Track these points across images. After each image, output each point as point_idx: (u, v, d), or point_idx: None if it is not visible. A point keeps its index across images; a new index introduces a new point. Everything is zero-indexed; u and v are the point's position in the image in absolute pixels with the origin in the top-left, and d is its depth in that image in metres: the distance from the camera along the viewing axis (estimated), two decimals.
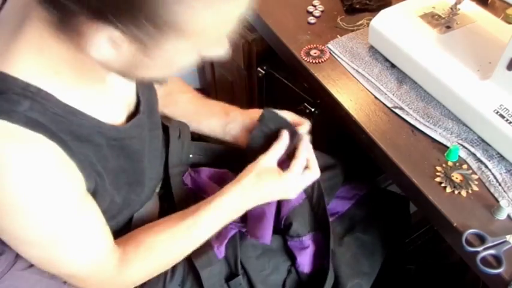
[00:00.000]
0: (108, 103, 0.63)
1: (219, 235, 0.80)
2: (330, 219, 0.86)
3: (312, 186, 0.83)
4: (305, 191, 0.82)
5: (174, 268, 0.77)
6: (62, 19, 0.47)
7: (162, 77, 0.57)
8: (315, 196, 0.83)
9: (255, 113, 0.82)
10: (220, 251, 0.78)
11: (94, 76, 0.58)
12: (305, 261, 0.82)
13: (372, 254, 0.88)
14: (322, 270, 0.81)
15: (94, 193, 0.62)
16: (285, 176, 0.72)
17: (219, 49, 0.56)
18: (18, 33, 0.51)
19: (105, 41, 0.46)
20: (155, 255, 0.68)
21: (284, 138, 0.74)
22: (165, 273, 0.77)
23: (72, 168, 0.56)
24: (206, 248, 0.77)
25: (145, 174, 0.72)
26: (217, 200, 0.70)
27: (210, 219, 0.70)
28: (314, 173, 0.75)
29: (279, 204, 0.82)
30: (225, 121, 0.86)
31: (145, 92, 0.72)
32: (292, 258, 0.83)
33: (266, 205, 0.77)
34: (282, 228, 0.83)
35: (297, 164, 0.73)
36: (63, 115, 0.54)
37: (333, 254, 0.81)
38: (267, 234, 0.77)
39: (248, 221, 0.80)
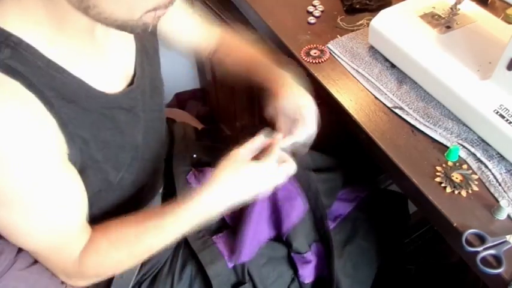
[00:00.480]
0: (101, 69, 0.62)
1: (228, 242, 0.80)
2: (333, 224, 0.86)
3: (315, 198, 0.83)
4: (309, 202, 0.83)
5: (181, 272, 0.77)
6: None
7: (122, 13, 0.52)
8: (317, 209, 0.83)
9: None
10: (230, 261, 0.79)
11: (78, 31, 0.57)
12: (306, 273, 0.83)
13: (371, 261, 0.88)
14: (323, 280, 0.82)
15: (83, 167, 0.59)
16: (259, 165, 0.67)
17: None
18: None
19: None
20: (121, 249, 0.64)
21: (260, 135, 0.71)
22: (172, 276, 0.77)
23: (51, 126, 0.54)
24: (217, 256, 0.77)
25: (139, 152, 0.71)
26: (191, 199, 0.65)
27: (184, 218, 0.65)
28: (290, 165, 0.69)
29: (279, 218, 0.82)
30: (273, 95, 0.79)
31: (147, 68, 0.71)
32: (295, 268, 0.83)
33: (244, 222, 0.77)
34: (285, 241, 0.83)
35: (271, 154, 0.68)
36: (46, 70, 0.53)
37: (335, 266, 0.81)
38: (242, 252, 0.77)
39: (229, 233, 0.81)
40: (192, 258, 0.79)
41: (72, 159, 0.58)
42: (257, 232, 0.80)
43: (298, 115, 0.73)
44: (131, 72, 0.68)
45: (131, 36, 0.69)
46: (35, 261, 0.67)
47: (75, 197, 0.60)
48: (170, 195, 0.84)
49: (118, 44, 0.66)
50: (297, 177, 0.82)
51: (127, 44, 0.69)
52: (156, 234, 0.64)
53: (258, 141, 0.70)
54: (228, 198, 0.66)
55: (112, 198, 0.72)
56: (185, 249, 0.80)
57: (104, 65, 0.63)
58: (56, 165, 0.56)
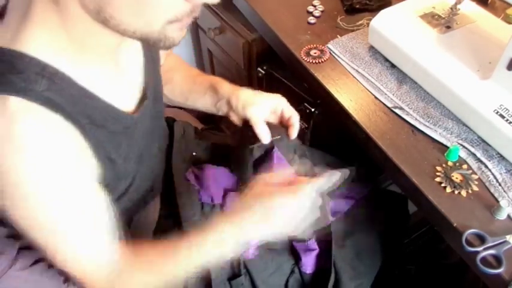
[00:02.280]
0: (119, 87, 0.62)
1: None
2: (333, 219, 0.86)
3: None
4: None
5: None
6: None
7: (140, 25, 0.50)
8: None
9: (242, 91, 0.80)
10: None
11: (99, 51, 0.57)
12: (309, 262, 0.82)
13: (372, 255, 0.88)
14: (324, 271, 0.82)
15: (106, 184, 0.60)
16: (294, 188, 0.61)
17: None
18: (27, 13, 0.51)
19: None
20: (157, 275, 0.63)
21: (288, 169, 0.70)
22: None
23: (87, 153, 0.55)
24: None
25: (142, 158, 0.72)
26: (219, 233, 0.62)
27: (208, 254, 0.63)
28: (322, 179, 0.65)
29: None
30: (216, 98, 0.83)
31: (152, 77, 0.71)
32: (296, 257, 0.83)
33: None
34: None
35: (311, 183, 0.63)
36: (79, 98, 0.54)
37: (335, 257, 0.81)
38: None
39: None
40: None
41: (101, 180, 0.59)
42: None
43: (284, 115, 0.77)
44: (141, 82, 0.69)
45: (139, 45, 0.69)
46: (35, 262, 0.67)
47: (109, 218, 0.60)
48: (170, 194, 0.85)
49: (131, 56, 0.66)
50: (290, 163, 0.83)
51: (137, 54, 0.69)
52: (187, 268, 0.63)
53: (288, 171, 0.66)
54: (259, 236, 0.62)
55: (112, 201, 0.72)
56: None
57: (123, 82, 0.63)
58: (93, 191, 0.57)
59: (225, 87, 0.82)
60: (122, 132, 0.62)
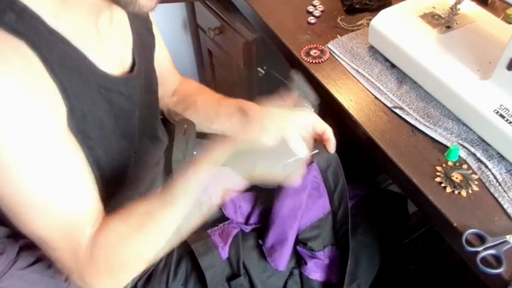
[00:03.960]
0: (102, 52, 0.62)
1: (223, 234, 0.79)
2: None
3: (340, 200, 0.82)
4: (331, 204, 0.82)
5: (176, 268, 0.77)
6: None
7: None
8: (340, 212, 0.82)
9: (273, 110, 0.75)
10: (224, 251, 0.78)
11: (81, 9, 0.57)
12: (314, 268, 0.82)
13: (372, 256, 0.88)
14: (329, 285, 0.81)
15: (79, 142, 0.57)
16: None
17: None
18: None
19: None
20: (140, 229, 0.58)
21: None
22: (168, 273, 0.77)
23: (52, 89, 0.52)
24: (211, 247, 0.76)
25: (134, 147, 0.71)
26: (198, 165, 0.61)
27: (192, 186, 0.60)
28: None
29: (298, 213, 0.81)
30: (245, 121, 0.81)
31: (143, 63, 0.71)
32: (298, 260, 0.83)
33: (289, 228, 0.76)
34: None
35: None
36: (49, 37, 0.53)
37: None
38: (283, 261, 0.77)
39: (269, 237, 0.79)
40: (187, 253, 0.78)
41: (71, 128, 0.55)
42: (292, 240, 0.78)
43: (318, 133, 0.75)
44: (128, 63, 0.69)
45: (129, 28, 0.70)
46: (36, 261, 0.67)
47: (83, 171, 0.56)
48: None
49: (118, 33, 0.67)
50: (323, 176, 0.82)
51: (126, 35, 0.69)
52: (167, 208, 0.59)
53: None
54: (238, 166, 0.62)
55: (108, 195, 0.71)
56: (180, 245, 0.79)
57: (105, 49, 0.63)
58: (58, 130, 0.53)
59: (255, 108, 0.79)
60: (98, 91, 0.59)
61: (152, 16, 0.79)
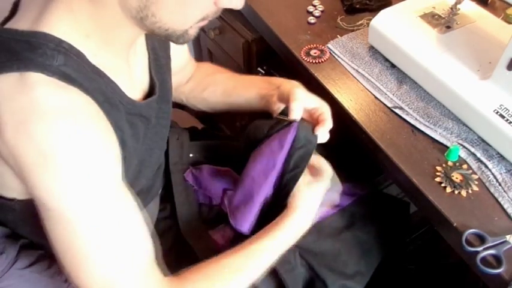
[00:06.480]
0: (129, 80, 0.63)
1: (225, 235, 0.79)
2: (333, 211, 0.85)
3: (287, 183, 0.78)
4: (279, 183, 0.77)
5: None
6: None
7: (176, 23, 0.54)
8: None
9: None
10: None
11: (120, 45, 0.58)
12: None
13: (368, 253, 0.87)
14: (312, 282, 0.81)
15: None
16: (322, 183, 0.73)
17: None
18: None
19: None
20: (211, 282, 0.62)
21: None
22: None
23: (109, 130, 0.54)
24: (212, 248, 0.76)
25: (144, 158, 0.71)
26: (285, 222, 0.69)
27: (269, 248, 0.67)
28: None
29: None
30: (268, 88, 0.80)
31: (160, 78, 0.72)
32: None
33: (258, 187, 0.72)
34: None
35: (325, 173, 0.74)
36: (93, 76, 0.54)
37: (326, 250, 0.81)
38: (247, 223, 0.73)
39: (236, 197, 0.75)
40: (188, 254, 0.78)
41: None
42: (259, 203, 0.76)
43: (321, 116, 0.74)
44: (146, 83, 0.69)
45: (145, 47, 0.69)
46: (36, 261, 0.67)
47: (140, 219, 0.58)
48: (169, 196, 0.84)
49: (139, 57, 0.67)
50: (289, 152, 0.75)
51: (143, 55, 0.69)
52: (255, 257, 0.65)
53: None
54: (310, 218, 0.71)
55: None
56: (180, 246, 0.79)
57: (131, 76, 0.64)
58: (119, 175, 0.55)
59: (279, 79, 0.83)
60: (125, 119, 0.60)
61: None
